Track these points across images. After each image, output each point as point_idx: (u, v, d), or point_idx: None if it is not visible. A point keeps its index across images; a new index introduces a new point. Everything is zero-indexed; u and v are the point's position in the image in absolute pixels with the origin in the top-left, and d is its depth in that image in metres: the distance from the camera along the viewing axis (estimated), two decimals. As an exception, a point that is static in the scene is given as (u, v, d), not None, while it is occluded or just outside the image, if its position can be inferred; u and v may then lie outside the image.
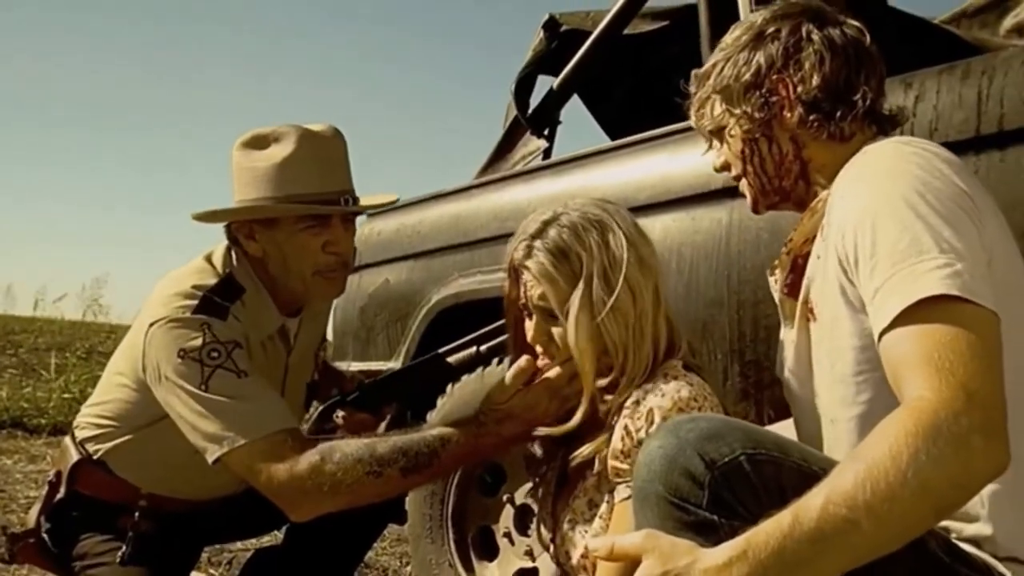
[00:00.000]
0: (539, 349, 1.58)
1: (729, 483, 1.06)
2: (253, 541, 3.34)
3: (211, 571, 3.19)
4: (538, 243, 1.51)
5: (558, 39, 2.98)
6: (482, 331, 1.96)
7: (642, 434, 1.39)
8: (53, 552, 1.95)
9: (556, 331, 1.52)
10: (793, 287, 1.42)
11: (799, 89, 1.36)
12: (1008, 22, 2.61)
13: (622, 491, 1.42)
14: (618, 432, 1.44)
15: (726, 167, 1.50)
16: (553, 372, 1.57)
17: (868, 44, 1.39)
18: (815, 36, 1.37)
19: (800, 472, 1.08)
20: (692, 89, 1.51)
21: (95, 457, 1.91)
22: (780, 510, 1.03)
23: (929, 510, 0.96)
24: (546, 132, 2.95)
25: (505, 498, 2.41)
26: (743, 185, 1.48)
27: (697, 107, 1.50)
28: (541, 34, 3.00)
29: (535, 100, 3.00)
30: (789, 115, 1.38)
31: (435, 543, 2.54)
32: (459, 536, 2.52)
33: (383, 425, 2.27)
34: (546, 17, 3.01)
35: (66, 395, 6.66)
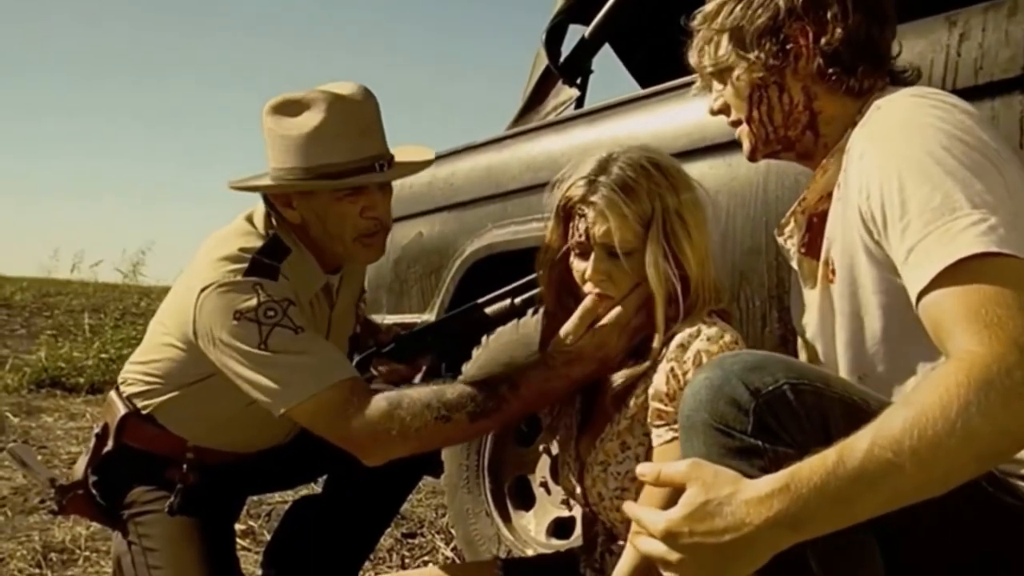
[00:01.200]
0: (591, 288, 1.55)
1: (773, 410, 1.07)
2: (290, 494, 3.40)
3: (250, 522, 3.24)
4: (603, 179, 1.49)
5: (589, -13, 2.93)
6: (517, 283, 1.96)
7: (688, 376, 1.39)
8: (100, 503, 1.99)
9: (616, 270, 1.52)
10: (812, 247, 1.41)
11: (822, 40, 1.32)
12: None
13: (663, 434, 1.43)
14: (662, 375, 1.44)
15: (724, 110, 1.47)
16: (616, 311, 1.55)
17: None
18: None
19: (842, 401, 1.09)
20: (695, 26, 1.46)
21: (143, 412, 1.94)
22: (823, 440, 1.04)
23: (972, 459, 0.95)
24: (578, 81, 2.92)
25: (541, 448, 2.42)
26: (742, 131, 1.45)
27: (700, 46, 1.46)
28: (572, -18, 2.95)
29: (566, 49, 2.97)
30: (806, 65, 1.34)
31: (471, 493, 2.56)
32: (495, 486, 2.54)
33: (419, 376, 2.30)
34: (578, -35, 2.95)
35: (103, 355, 6.76)
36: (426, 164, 1.91)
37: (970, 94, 1.55)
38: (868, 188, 1.18)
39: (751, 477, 1.05)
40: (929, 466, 0.94)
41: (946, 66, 1.60)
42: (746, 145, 1.46)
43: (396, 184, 1.94)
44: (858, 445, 0.96)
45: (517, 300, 1.95)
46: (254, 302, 1.69)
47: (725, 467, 1.06)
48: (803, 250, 1.44)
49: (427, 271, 2.80)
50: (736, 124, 1.45)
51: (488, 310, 2.01)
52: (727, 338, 1.43)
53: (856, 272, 1.26)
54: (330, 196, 1.77)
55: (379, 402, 1.64)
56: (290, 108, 1.75)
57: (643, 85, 3.16)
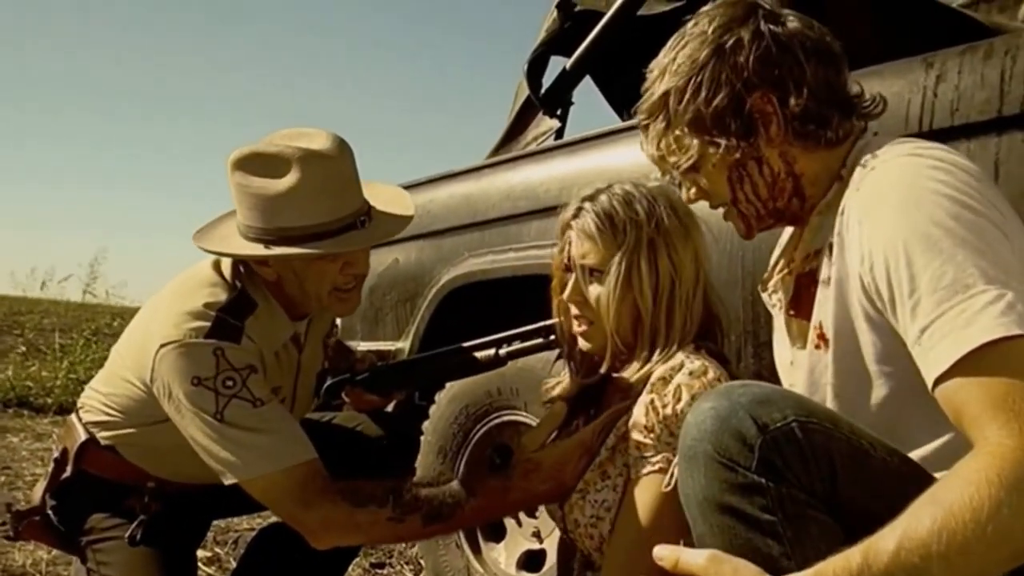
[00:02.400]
0: (573, 311, 1.59)
1: (779, 447, 1.04)
2: (258, 519, 3.36)
3: (216, 549, 3.19)
4: (588, 205, 1.55)
5: (571, 19, 2.96)
6: (506, 334, 1.94)
7: (668, 410, 1.40)
8: (58, 529, 1.94)
9: (592, 292, 1.54)
10: (800, 308, 1.37)
11: (789, 102, 1.26)
12: (1027, 6, 2.58)
13: (644, 466, 1.42)
14: (641, 407, 1.44)
15: (704, 198, 1.40)
16: (582, 432, 1.56)
17: (826, 34, 1.31)
18: (781, 38, 1.27)
19: (849, 444, 1.07)
20: (642, 121, 1.38)
21: (103, 443, 1.89)
22: (828, 481, 1.04)
23: (1006, 559, 0.92)
24: (559, 112, 2.93)
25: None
26: (730, 213, 1.38)
27: (656, 140, 1.37)
28: (554, 14, 2.98)
29: (547, 81, 2.98)
30: (778, 131, 1.28)
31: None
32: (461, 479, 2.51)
33: (391, 406, 2.27)
34: (560, -3, 2.98)
35: (72, 375, 6.68)
36: (406, 221, 1.83)
37: (946, 135, 1.57)
38: (871, 259, 1.12)
39: (752, 515, 1.05)
40: (959, 570, 0.90)
41: (923, 107, 1.62)
42: (740, 227, 1.39)
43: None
44: (884, 546, 0.92)
45: (503, 351, 1.92)
46: (213, 370, 1.64)
47: (722, 519, 1.05)
48: (792, 311, 1.39)
49: (402, 299, 2.78)
50: (721, 207, 1.39)
51: (471, 356, 1.98)
52: (711, 375, 1.43)
53: (857, 340, 1.21)
54: (307, 257, 1.70)
55: (333, 494, 1.63)
56: (261, 164, 1.67)
57: (623, 117, 3.18)
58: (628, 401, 1.51)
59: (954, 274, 1.02)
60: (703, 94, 1.28)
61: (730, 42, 1.27)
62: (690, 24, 1.34)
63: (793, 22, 1.29)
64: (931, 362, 1.02)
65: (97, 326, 9.82)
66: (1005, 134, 1.53)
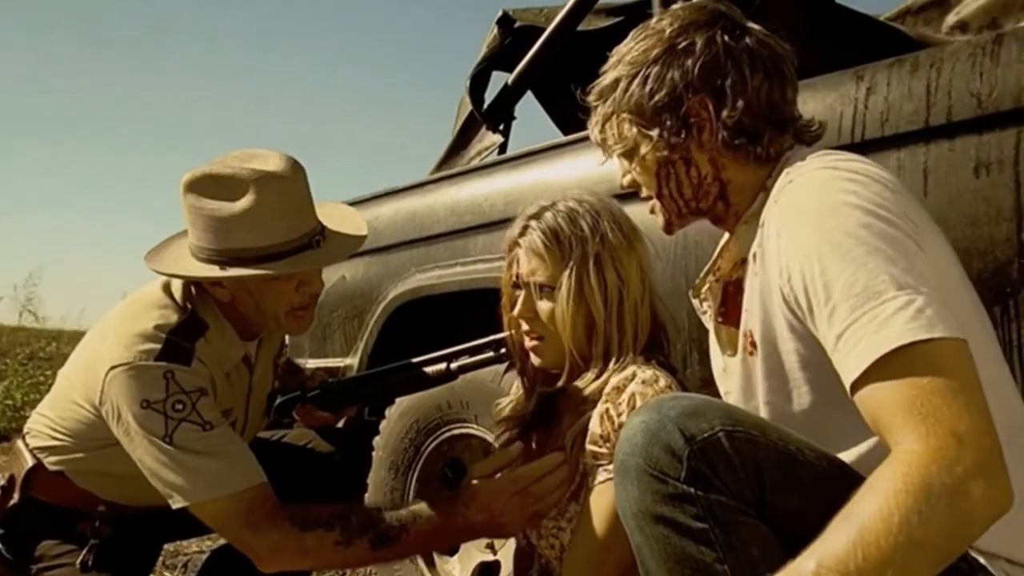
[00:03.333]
0: (524, 326, 1.62)
1: (706, 457, 1.07)
2: (208, 541, 3.32)
3: (166, 574, 3.15)
4: (533, 223, 1.58)
5: (512, 35, 3.00)
6: (456, 348, 1.96)
7: (623, 419, 1.43)
8: (6, 558, 1.91)
9: (542, 308, 1.58)
10: (729, 315, 1.40)
11: (723, 112, 1.29)
12: (950, 19, 2.68)
13: (599, 474, 1.45)
14: (596, 417, 1.47)
15: (634, 186, 1.44)
16: (522, 469, 1.58)
17: (782, 51, 1.34)
18: (734, 50, 1.30)
19: (776, 450, 1.09)
20: (592, 101, 1.43)
21: (51, 469, 1.87)
22: (756, 488, 1.06)
23: (926, 566, 0.93)
24: (501, 127, 2.96)
25: (466, 490, 2.41)
26: (655, 206, 1.42)
27: (600, 123, 1.42)
28: (495, 30, 3.01)
29: (489, 96, 3.01)
30: (710, 137, 1.31)
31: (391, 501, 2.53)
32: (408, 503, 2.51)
33: (341, 422, 2.27)
34: (500, 14, 3.01)
35: (8, 401, 6.51)
36: (361, 240, 1.84)
37: (877, 145, 1.63)
38: (788, 271, 1.15)
39: (684, 524, 1.07)
40: None
41: (854, 118, 1.68)
42: (660, 220, 1.43)
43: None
44: (804, 567, 0.94)
45: (453, 365, 1.93)
46: (163, 393, 1.64)
47: (656, 529, 1.07)
48: (720, 319, 1.43)
49: (350, 315, 2.78)
50: (647, 199, 1.43)
51: (421, 371, 1.99)
52: (661, 383, 1.46)
53: (780, 348, 1.23)
54: (264, 278, 1.70)
55: (281, 519, 1.64)
56: (215, 186, 1.66)
57: (564, 132, 3.22)
58: (574, 418, 1.55)
59: (866, 281, 1.04)
60: (647, 87, 1.32)
61: (683, 44, 1.31)
62: (655, 19, 1.39)
63: (751, 37, 1.32)
64: (847, 368, 1.05)
65: (32, 350, 9.60)
66: (932, 143, 1.58)
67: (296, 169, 1.72)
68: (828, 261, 1.08)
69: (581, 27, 2.72)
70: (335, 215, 1.87)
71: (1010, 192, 1.49)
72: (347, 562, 1.73)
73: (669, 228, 1.44)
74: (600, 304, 1.53)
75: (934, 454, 0.93)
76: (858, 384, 1.03)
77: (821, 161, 1.22)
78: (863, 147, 1.64)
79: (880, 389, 1.01)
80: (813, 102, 1.73)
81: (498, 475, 1.62)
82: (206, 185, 1.67)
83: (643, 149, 1.35)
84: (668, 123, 1.32)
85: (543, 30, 2.76)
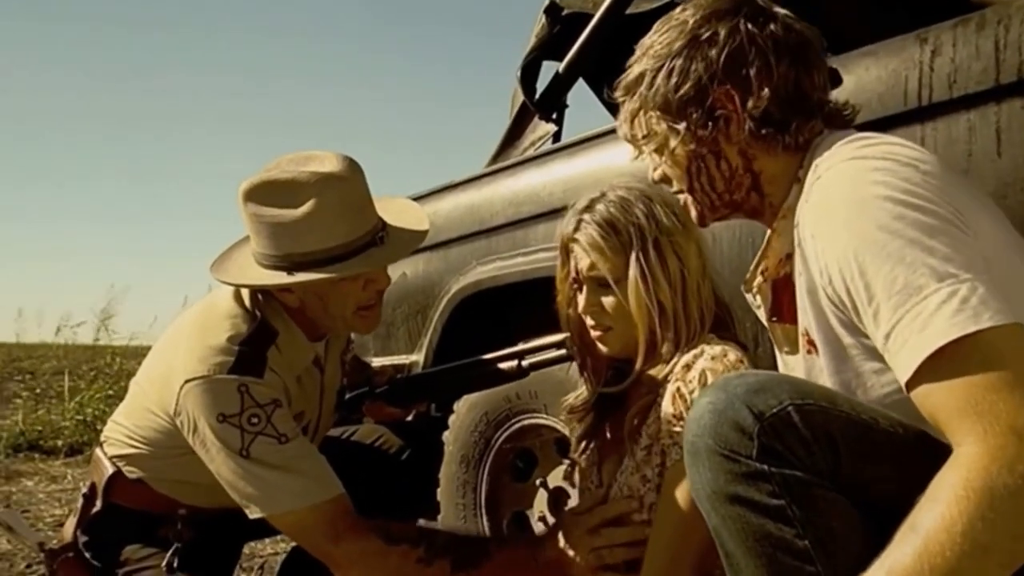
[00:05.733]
0: (589, 321, 1.61)
1: (777, 432, 1.06)
2: (283, 544, 3.36)
3: (243, 576, 3.20)
4: (587, 217, 1.57)
5: (560, 23, 2.98)
6: (527, 345, 1.96)
7: (695, 395, 1.41)
8: (93, 565, 1.95)
9: (606, 301, 1.57)
10: (782, 313, 1.38)
11: (748, 103, 1.28)
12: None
13: (675, 454, 1.44)
14: (668, 397, 1.47)
15: (666, 180, 1.42)
16: (600, 509, 1.59)
17: (809, 36, 1.32)
18: (758, 38, 1.28)
19: (849, 420, 1.08)
20: (619, 97, 1.41)
21: (129, 476, 1.90)
22: (832, 461, 1.05)
23: (996, 568, 0.91)
24: (554, 116, 2.95)
25: (538, 482, 2.41)
26: (687, 200, 1.41)
27: (629, 119, 1.41)
28: (543, 19, 3.00)
29: (541, 85, 3.00)
30: (737, 129, 1.30)
31: (467, 529, 2.54)
32: (494, 523, 2.52)
33: (409, 418, 2.28)
34: (547, 2, 3.00)
35: (79, 417, 6.66)
36: (423, 235, 1.85)
37: (945, 108, 1.59)
38: (828, 272, 1.14)
39: (760, 502, 1.06)
40: None
41: (920, 82, 1.64)
42: (693, 214, 1.42)
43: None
44: None
45: (524, 363, 1.93)
46: (238, 407, 1.66)
47: (732, 509, 1.07)
48: (773, 318, 1.40)
49: (413, 312, 2.79)
50: (679, 193, 1.42)
51: (492, 368, 1.99)
52: (731, 357, 1.45)
53: (841, 344, 1.21)
54: (332, 280, 1.71)
55: (365, 531, 1.66)
56: (274, 192, 1.67)
57: (616, 118, 3.20)
58: (644, 400, 1.54)
59: (906, 277, 1.02)
60: (673, 80, 1.31)
61: (706, 35, 1.30)
62: (678, 9, 1.37)
63: (776, 23, 1.30)
64: (899, 369, 1.03)
65: (98, 366, 9.80)
66: (1004, 103, 1.54)
67: (354, 168, 1.72)
68: (865, 260, 1.06)
69: (630, 10, 2.70)
70: (394, 209, 1.87)
71: (1089, 148, 1.45)
72: None
73: (703, 221, 1.43)
74: (667, 289, 1.53)
75: (994, 454, 0.91)
76: (911, 386, 1.02)
77: (847, 150, 1.20)
78: (931, 111, 1.61)
79: (933, 391, 0.99)
80: (876, 68, 1.69)
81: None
82: (265, 192, 1.68)
83: (672, 143, 1.34)
84: (695, 116, 1.31)
85: (591, 16, 2.74)
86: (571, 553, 1.59)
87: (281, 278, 1.70)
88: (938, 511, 0.91)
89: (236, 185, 1.72)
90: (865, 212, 1.08)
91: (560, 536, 1.63)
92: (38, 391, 7.87)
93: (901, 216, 1.05)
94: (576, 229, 1.59)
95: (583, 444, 1.72)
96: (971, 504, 0.89)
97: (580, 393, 1.73)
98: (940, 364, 0.98)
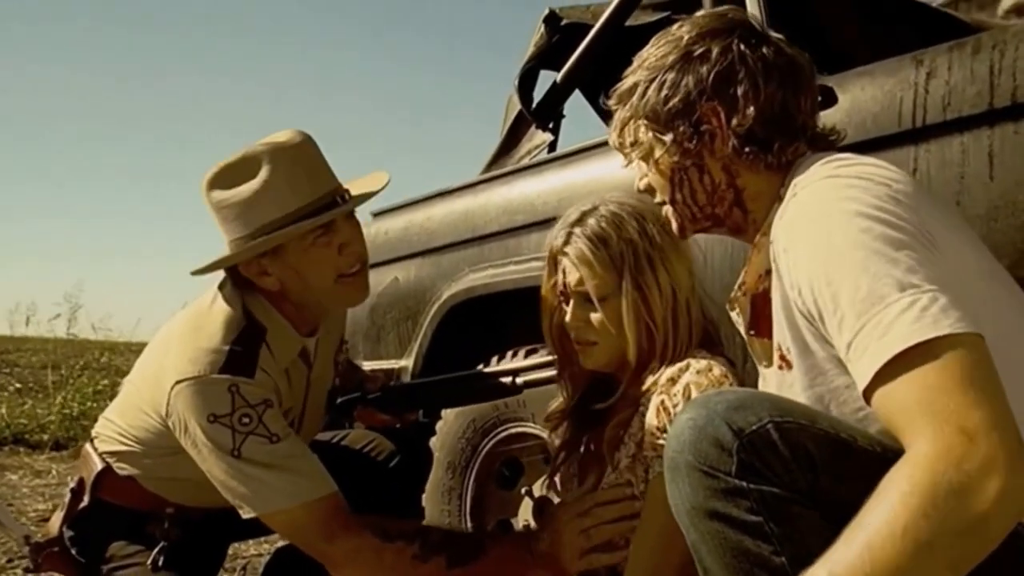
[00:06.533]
0: (573, 335, 1.60)
1: (756, 449, 1.06)
2: (266, 545, 3.35)
3: (225, 576, 3.18)
4: (577, 230, 1.58)
5: (559, 33, 2.98)
6: (524, 364, 1.96)
7: (679, 408, 1.42)
8: (77, 560, 1.95)
9: (593, 316, 1.57)
10: (759, 327, 1.39)
11: (733, 120, 1.30)
12: (1006, 3, 2.64)
13: (657, 466, 1.44)
14: (652, 410, 1.47)
15: (650, 191, 1.44)
16: (591, 494, 1.61)
17: (800, 61, 1.34)
18: (748, 59, 1.31)
19: (828, 438, 1.08)
20: (612, 105, 1.44)
21: (119, 473, 1.90)
22: (810, 478, 1.05)
23: (942, 569, 0.91)
24: (551, 126, 2.95)
25: (524, 491, 2.41)
26: (668, 211, 1.42)
27: (619, 127, 1.43)
28: (542, 29, 2.99)
29: (538, 94, 3.00)
30: (722, 145, 1.32)
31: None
32: (478, 530, 2.52)
33: (399, 425, 2.28)
34: (546, 12, 3.00)
35: (65, 411, 6.64)
36: (383, 186, 1.86)
37: (939, 130, 1.60)
38: (799, 285, 1.15)
39: (738, 518, 1.07)
40: None
41: (915, 103, 1.65)
42: (673, 225, 1.43)
43: (370, 231, 1.94)
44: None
45: (519, 380, 1.94)
46: (229, 407, 1.66)
47: (711, 525, 1.08)
48: (752, 332, 1.42)
49: (404, 316, 2.79)
50: (661, 204, 1.44)
51: (487, 383, 1.99)
52: (716, 372, 1.46)
53: (815, 359, 1.23)
54: (301, 244, 1.71)
55: (360, 528, 1.67)
56: (232, 174, 1.70)
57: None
58: (625, 413, 1.54)
59: (869, 286, 1.03)
60: (663, 92, 1.34)
61: (699, 51, 1.32)
62: (676, 25, 1.40)
63: (768, 47, 1.33)
64: (858, 376, 1.04)
65: (86, 361, 9.77)
66: (997, 126, 1.55)
67: (303, 136, 1.75)
68: (832, 271, 1.08)
69: (629, 22, 2.71)
70: (362, 183, 1.89)
71: (1080, 173, 1.46)
72: None
73: (683, 232, 1.44)
74: (659, 306, 1.53)
75: (941, 453, 0.91)
76: (869, 392, 1.03)
77: (824, 169, 1.23)
78: (925, 132, 1.62)
79: (889, 393, 1.00)
80: (871, 88, 1.70)
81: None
82: (223, 176, 1.71)
83: (657, 153, 1.37)
84: (681, 129, 1.33)
85: (590, 27, 2.74)
86: (564, 540, 1.60)
87: (250, 248, 1.70)
88: (883, 508, 0.92)
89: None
90: (834, 226, 1.11)
91: (551, 527, 1.64)
92: (22, 386, 7.84)
93: (868, 229, 1.07)
94: (566, 243, 1.59)
95: (562, 455, 1.72)
96: (914, 499, 0.90)
97: (557, 401, 1.74)
98: (897, 369, 0.99)
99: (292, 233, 1.69)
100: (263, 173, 1.67)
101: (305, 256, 1.73)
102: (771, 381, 1.35)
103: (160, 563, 1.84)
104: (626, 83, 1.41)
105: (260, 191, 1.67)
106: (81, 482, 1.95)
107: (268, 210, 1.68)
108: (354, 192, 1.82)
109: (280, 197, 1.68)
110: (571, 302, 1.60)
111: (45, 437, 6.22)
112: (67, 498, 1.96)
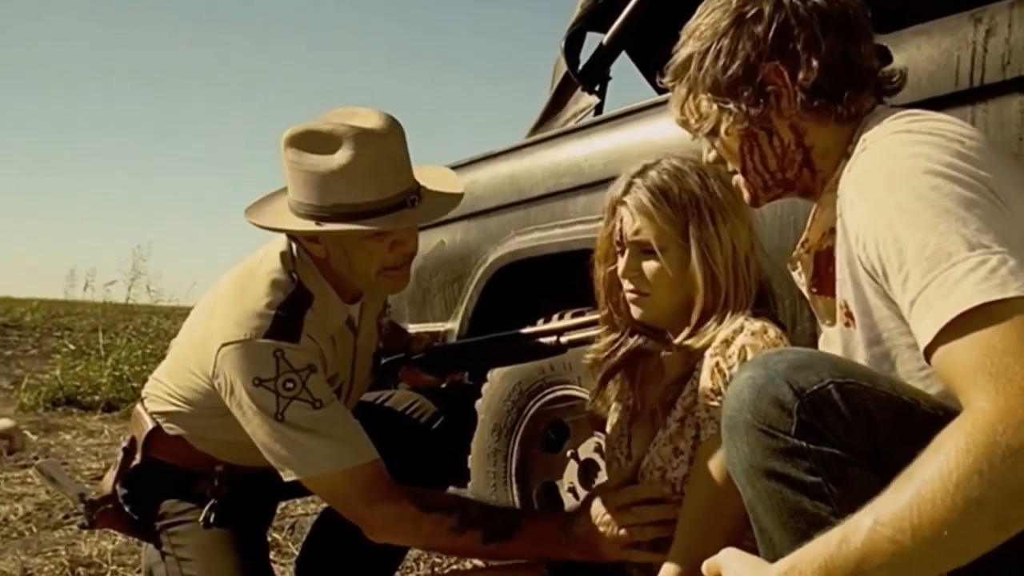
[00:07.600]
0: (627, 285, 1.60)
1: (817, 410, 1.06)
2: (313, 505, 3.41)
3: (275, 535, 3.24)
4: (639, 181, 1.56)
5: (605, -5, 2.96)
6: (568, 323, 1.96)
7: (734, 371, 1.41)
8: (131, 517, 1.99)
9: (647, 267, 1.56)
10: (822, 285, 1.38)
11: (799, 75, 1.27)
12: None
13: (710, 427, 1.44)
14: (707, 371, 1.46)
15: (720, 162, 1.42)
16: (630, 488, 1.61)
17: (852, 6, 1.30)
18: (801, 11, 1.27)
19: (890, 399, 1.07)
20: (668, 82, 1.41)
21: (169, 433, 1.94)
22: (870, 440, 1.05)
23: (988, 529, 0.89)
24: (597, 88, 2.94)
25: (569, 453, 2.43)
26: (739, 181, 1.41)
27: (679, 103, 1.40)
28: (588, -10, 2.97)
29: (584, 57, 2.99)
30: (789, 104, 1.29)
31: (499, 500, 2.56)
32: (523, 493, 2.55)
33: (444, 385, 2.30)
34: (593, -27, 2.98)
35: (116, 373, 6.78)
36: (457, 199, 1.85)
37: (998, 89, 1.57)
38: (864, 240, 1.13)
39: (797, 478, 1.06)
40: (934, 543, 0.89)
41: (973, 62, 1.61)
42: (746, 195, 1.42)
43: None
44: (861, 523, 0.93)
45: (563, 339, 1.93)
46: (273, 372, 1.68)
47: (769, 484, 1.08)
48: (814, 289, 1.40)
49: (450, 280, 2.81)
50: (733, 173, 1.42)
51: (530, 342, 1.99)
52: (771, 333, 1.45)
53: (876, 317, 1.21)
54: (359, 234, 1.71)
55: (400, 496, 1.69)
56: (315, 142, 1.68)
57: (659, 91, 3.18)
58: (679, 372, 1.54)
59: (936, 244, 1.01)
60: (721, 61, 1.31)
61: (751, 12, 1.29)
62: None
63: None
64: (920, 334, 1.02)
65: (135, 325, 9.96)
66: (1058, 85, 1.52)
67: (394, 127, 1.73)
68: (899, 227, 1.06)
69: (675, -17, 2.67)
70: (432, 176, 1.87)
71: None
72: (454, 548, 1.81)
73: (755, 202, 1.42)
74: (720, 260, 1.52)
75: (1002, 413, 0.89)
76: (930, 350, 1.01)
77: (895, 124, 1.20)
78: (983, 92, 1.58)
79: (951, 352, 0.98)
80: (928, 47, 1.67)
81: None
82: (306, 140, 1.69)
83: (724, 125, 1.34)
84: (745, 95, 1.30)
85: (637, -12, 2.72)
86: (601, 530, 1.61)
87: (310, 226, 1.71)
88: (937, 462, 0.90)
89: (276, 139, 1.74)
90: (903, 182, 1.08)
91: (590, 512, 1.64)
92: (75, 347, 8.00)
93: (938, 187, 1.05)
94: (626, 192, 1.58)
95: (612, 413, 1.72)
96: (971, 457, 0.88)
97: (602, 344, 1.72)
98: (961, 329, 0.97)
99: (355, 232, 1.70)
100: (343, 156, 1.66)
101: (358, 245, 1.75)
102: (835, 340, 1.34)
103: (211, 520, 1.88)
104: (679, 57, 1.37)
105: (336, 172, 1.66)
106: (133, 441, 1.98)
107: (339, 193, 1.67)
108: (426, 186, 1.81)
109: (354, 186, 1.67)
110: (626, 252, 1.59)
111: (97, 398, 6.37)
112: (119, 457, 2.00)
